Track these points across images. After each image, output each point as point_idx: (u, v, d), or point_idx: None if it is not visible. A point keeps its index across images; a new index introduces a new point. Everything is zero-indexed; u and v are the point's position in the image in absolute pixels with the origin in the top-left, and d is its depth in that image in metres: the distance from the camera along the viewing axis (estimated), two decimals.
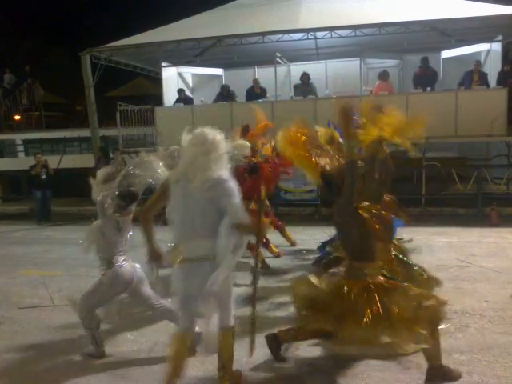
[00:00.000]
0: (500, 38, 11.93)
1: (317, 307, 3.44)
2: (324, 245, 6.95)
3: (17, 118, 19.39)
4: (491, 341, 4.20)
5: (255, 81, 12.96)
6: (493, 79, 11.59)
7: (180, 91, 13.48)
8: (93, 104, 13.49)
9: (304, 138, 3.76)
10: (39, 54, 26.88)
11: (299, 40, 11.98)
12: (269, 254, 7.13)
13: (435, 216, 10.37)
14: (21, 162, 16.18)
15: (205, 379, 3.76)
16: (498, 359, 3.86)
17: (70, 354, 4.29)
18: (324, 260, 6.54)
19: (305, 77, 12.50)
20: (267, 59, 12.77)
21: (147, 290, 4.19)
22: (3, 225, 11.87)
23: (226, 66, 14.54)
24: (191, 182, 3.13)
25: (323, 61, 13.85)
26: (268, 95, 12.72)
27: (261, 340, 4.04)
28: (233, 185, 3.16)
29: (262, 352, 4.01)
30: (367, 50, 12.56)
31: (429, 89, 11.63)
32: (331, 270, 5.19)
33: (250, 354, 3.79)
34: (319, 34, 11.83)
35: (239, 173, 5.65)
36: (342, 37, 11.70)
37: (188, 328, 3.44)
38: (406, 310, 3.25)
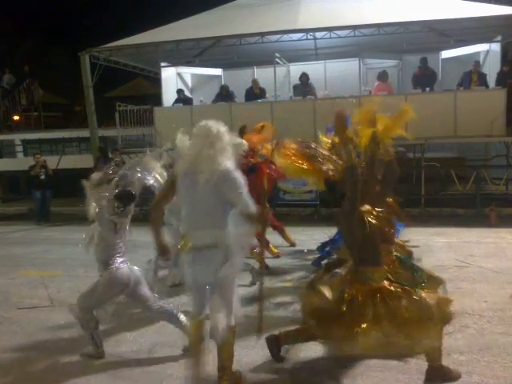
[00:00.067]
0: (499, 38, 11.95)
1: (325, 318, 3.42)
2: (324, 245, 6.97)
3: (16, 118, 19.37)
4: (490, 341, 4.21)
5: (254, 81, 12.97)
6: (492, 80, 11.60)
7: (179, 91, 13.48)
8: (92, 104, 13.48)
9: (300, 152, 3.76)
10: (38, 54, 26.85)
11: (298, 40, 11.99)
12: (268, 255, 7.12)
13: (434, 216, 10.37)
14: (20, 162, 16.15)
15: (205, 379, 3.75)
16: (498, 359, 3.87)
17: (70, 354, 4.28)
18: (324, 260, 6.57)
19: (304, 77, 12.51)
20: (266, 59, 12.78)
21: (145, 291, 4.18)
22: (2, 225, 11.86)
23: (225, 66, 14.55)
24: (199, 173, 3.19)
25: (322, 61, 13.86)
26: (267, 95, 12.72)
27: (261, 341, 4.05)
28: (239, 176, 3.24)
29: (262, 353, 4.01)
30: (366, 51, 12.57)
31: (428, 89, 11.64)
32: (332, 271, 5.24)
33: (259, 333, 3.87)
34: (318, 35, 11.83)
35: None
36: (341, 37, 11.70)
37: (199, 313, 3.49)
38: (412, 311, 3.26)
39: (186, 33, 12.44)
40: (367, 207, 3.40)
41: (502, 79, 11.29)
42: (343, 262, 4.89)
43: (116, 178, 4.08)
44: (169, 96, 13.66)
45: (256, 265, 5.53)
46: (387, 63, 13.17)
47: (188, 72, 14.82)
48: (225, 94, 12.88)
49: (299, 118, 11.02)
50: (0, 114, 18.53)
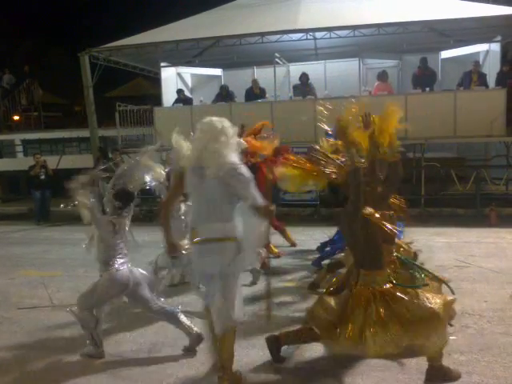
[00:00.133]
0: (499, 38, 11.95)
1: (335, 329, 3.41)
2: (323, 245, 6.98)
3: (16, 118, 19.36)
4: (491, 341, 4.21)
5: (254, 81, 12.97)
6: (492, 79, 11.61)
7: (179, 91, 13.48)
8: (92, 104, 13.47)
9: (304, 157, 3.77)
10: (38, 54, 26.84)
11: (298, 40, 11.99)
12: (269, 255, 7.13)
13: (434, 216, 10.37)
14: (20, 162, 16.14)
15: (205, 379, 3.76)
16: (498, 359, 3.87)
17: (70, 354, 4.28)
18: (324, 260, 6.58)
19: (304, 77, 12.51)
20: (266, 59, 12.78)
21: (145, 293, 4.17)
22: (2, 225, 11.85)
23: (225, 66, 14.55)
24: (205, 168, 3.27)
25: (322, 61, 13.87)
26: (267, 95, 12.73)
27: (261, 341, 4.05)
28: (246, 169, 3.32)
29: (262, 353, 4.01)
30: (366, 51, 12.58)
31: (428, 89, 11.64)
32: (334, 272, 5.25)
33: (268, 318, 4.11)
34: (318, 35, 11.84)
35: None
36: (340, 37, 11.70)
37: (210, 302, 3.52)
38: (416, 313, 3.26)
39: (186, 33, 12.45)
40: (370, 210, 3.40)
41: (501, 79, 11.29)
42: (344, 264, 4.91)
43: (114, 178, 4.08)
44: (169, 96, 13.66)
45: (257, 265, 5.54)
46: (387, 63, 13.18)
47: (188, 72, 14.82)
48: (225, 94, 12.89)
49: (299, 118, 11.02)
50: (0, 114, 18.53)
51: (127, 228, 4.16)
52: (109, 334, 4.57)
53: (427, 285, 3.66)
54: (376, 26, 11.15)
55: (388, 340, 3.24)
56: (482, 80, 11.45)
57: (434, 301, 3.34)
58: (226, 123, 3.38)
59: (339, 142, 3.91)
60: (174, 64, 14.19)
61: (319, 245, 7.11)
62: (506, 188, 12.31)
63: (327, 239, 7.04)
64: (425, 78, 11.85)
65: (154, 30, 13.30)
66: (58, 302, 5.72)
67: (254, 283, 5.81)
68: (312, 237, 8.48)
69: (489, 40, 12.13)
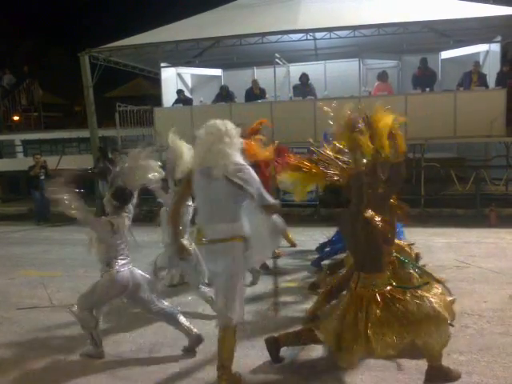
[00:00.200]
0: (499, 38, 11.95)
1: (345, 339, 3.41)
2: (322, 246, 6.98)
3: (16, 118, 19.36)
4: (490, 341, 4.21)
5: (254, 81, 12.97)
6: (492, 80, 11.60)
7: (179, 92, 13.48)
8: (92, 104, 13.46)
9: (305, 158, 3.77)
10: (38, 54, 26.85)
11: (298, 41, 11.98)
12: None
13: (434, 217, 10.37)
14: (20, 162, 16.12)
15: (205, 380, 3.76)
16: (497, 359, 3.87)
17: (70, 354, 4.29)
18: (324, 260, 6.58)
19: (304, 77, 12.50)
20: (266, 60, 12.78)
21: (144, 295, 4.16)
22: (2, 225, 11.85)
23: (225, 66, 14.55)
24: (211, 169, 3.35)
25: (322, 61, 13.86)
26: (267, 96, 12.72)
27: (261, 342, 4.05)
28: (251, 170, 3.43)
29: (261, 353, 4.01)
30: (366, 51, 12.57)
31: (428, 89, 11.63)
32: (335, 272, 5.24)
33: (275, 314, 4.50)
34: (318, 35, 11.83)
35: None
36: (340, 37, 11.69)
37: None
38: (417, 313, 3.26)
39: (186, 33, 12.44)
40: (371, 212, 3.40)
41: (501, 79, 11.29)
42: (345, 264, 4.91)
43: (111, 177, 4.07)
44: (169, 96, 13.65)
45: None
46: (387, 63, 13.17)
47: (188, 72, 14.82)
48: (225, 95, 12.88)
49: (299, 119, 11.03)
50: (0, 114, 18.53)
51: (128, 228, 4.13)
52: (108, 334, 4.58)
53: (427, 284, 3.66)
54: (376, 27, 11.14)
55: (389, 341, 3.24)
56: (482, 80, 11.45)
57: (433, 300, 3.34)
58: (230, 125, 3.47)
59: (342, 143, 3.88)
60: (173, 64, 14.18)
61: (318, 245, 7.12)
62: (505, 188, 12.30)
63: (326, 240, 7.04)
64: (425, 79, 11.84)
65: (153, 31, 13.29)
66: (57, 302, 5.73)
67: (254, 283, 5.81)
68: (312, 237, 8.48)
69: (489, 40, 12.13)
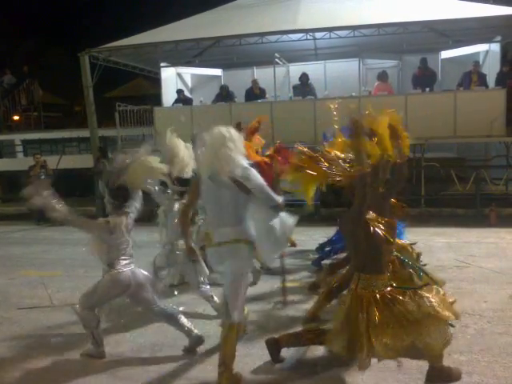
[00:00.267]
0: (499, 38, 11.96)
1: (352, 344, 3.41)
2: (323, 246, 6.97)
3: (16, 118, 19.36)
4: (491, 341, 4.21)
5: (254, 81, 12.97)
6: (492, 80, 11.61)
7: (179, 92, 13.48)
8: (92, 104, 13.46)
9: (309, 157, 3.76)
10: (38, 54, 26.83)
11: (298, 40, 11.99)
12: None
13: (434, 216, 10.37)
14: (20, 162, 16.12)
15: (205, 379, 3.76)
16: (498, 359, 3.87)
17: (70, 354, 4.28)
18: (324, 260, 6.58)
19: (304, 77, 12.50)
20: (266, 60, 12.78)
21: (147, 294, 4.14)
22: (2, 225, 11.86)
23: (225, 66, 14.55)
24: (219, 174, 3.49)
25: (322, 61, 13.87)
26: (267, 96, 12.72)
27: (261, 342, 4.05)
28: (255, 172, 3.57)
29: (262, 353, 4.01)
30: (366, 51, 12.57)
31: (428, 89, 11.64)
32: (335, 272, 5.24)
33: (283, 304, 4.93)
34: (318, 35, 11.83)
35: None
36: (340, 37, 11.70)
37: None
38: (418, 314, 3.26)
39: (186, 33, 12.44)
40: (373, 215, 3.40)
41: (501, 79, 11.30)
42: (346, 263, 4.90)
43: (107, 176, 4.06)
44: (169, 96, 13.66)
45: (257, 264, 5.55)
46: (387, 63, 13.17)
47: (188, 72, 14.82)
48: (225, 95, 12.88)
49: (299, 119, 11.03)
50: (0, 114, 18.53)
51: (128, 227, 4.06)
52: (109, 334, 4.57)
53: (427, 284, 3.65)
54: (376, 27, 11.15)
55: (389, 343, 3.24)
56: (481, 80, 11.46)
57: (433, 300, 3.33)
58: (233, 131, 3.59)
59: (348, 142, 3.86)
60: (173, 64, 14.19)
61: (318, 245, 7.11)
62: (505, 188, 12.30)
63: (326, 240, 7.03)
64: (425, 79, 11.85)
65: (153, 30, 13.29)
66: (57, 302, 5.72)
67: (254, 283, 5.81)
68: (312, 237, 8.48)
69: (489, 40, 12.14)
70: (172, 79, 14.33)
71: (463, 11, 11.10)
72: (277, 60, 12.85)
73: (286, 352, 3.96)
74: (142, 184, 4.19)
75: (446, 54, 13.07)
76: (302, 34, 11.74)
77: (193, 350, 4.18)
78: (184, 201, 5.01)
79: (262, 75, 13.65)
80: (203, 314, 5.11)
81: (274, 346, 3.87)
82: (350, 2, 12.09)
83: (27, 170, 12.32)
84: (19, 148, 18.43)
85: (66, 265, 7.53)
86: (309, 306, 4.96)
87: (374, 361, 3.73)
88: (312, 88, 12.51)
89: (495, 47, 12.13)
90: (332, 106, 3.79)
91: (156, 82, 14.87)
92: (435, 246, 7.82)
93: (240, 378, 3.66)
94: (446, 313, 3.32)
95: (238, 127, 6.32)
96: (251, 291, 5.47)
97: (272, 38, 11.93)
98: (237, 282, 3.58)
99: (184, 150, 4.71)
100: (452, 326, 3.48)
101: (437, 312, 3.29)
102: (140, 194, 4.27)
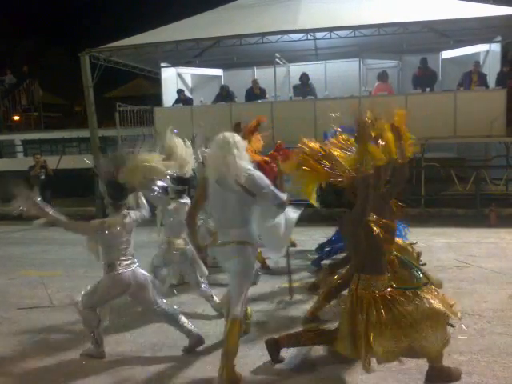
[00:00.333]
0: (499, 38, 11.96)
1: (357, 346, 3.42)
2: (322, 246, 6.97)
3: (16, 118, 19.37)
4: (490, 341, 4.21)
5: (254, 81, 12.97)
6: (492, 80, 11.61)
7: (179, 92, 13.48)
8: (92, 104, 13.45)
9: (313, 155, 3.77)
10: (38, 54, 26.86)
11: (298, 40, 11.99)
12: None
13: (434, 217, 10.37)
14: (20, 162, 16.13)
15: (205, 379, 3.76)
16: (498, 360, 3.87)
17: (70, 354, 4.28)
18: (324, 260, 6.58)
19: (304, 77, 12.51)
20: (266, 60, 12.79)
21: (148, 295, 4.13)
22: (2, 225, 11.84)
23: (225, 66, 14.56)
24: (225, 178, 3.62)
25: (322, 61, 13.87)
26: (267, 96, 12.73)
27: (261, 342, 4.05)
28: (260, 173, 3.73)
29: (261, 353, 4.01)
30: (366, 51, 12.58)
31: (428, 89, 11.64)
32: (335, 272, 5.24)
33: (290, 296, 5.30)
34: (318, 35, 11.83)
35: None
36: (341, 37, 11.69)
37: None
38: (418, 314, 3.26)
39: (186, 33, 12.44)
40: (374, 216, 3.40)
41: (501, 79, 11.30)
42: (346, 263, 4.90)
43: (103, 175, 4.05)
44: (169, 96, 13.67)
45: (257, 264, 5.54)
46: (387, 63, 13.18)
47: (188, 72, 14.83)
48: (225, 95, 12.89)
49: (299, 119, 11.03)
50: (0, 114, 18.54)
51: (127, 226, 4.04)
52: (109, 334, 4.56)
53: (427, 284, 3.65)
54: (376, 27, 11.14)
55: (387, 344, 3.24)
56: (482, 80, 11.46)
57: (433, 301, 3.33)
58: (237, 137, 3.76)
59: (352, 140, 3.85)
60: (174, 64, 14.19)
61: (317, 245, 7.11)
62: (505, 188, 12.30)
63: (325, 240, 7.03)
64: (425, 79, 11.85)
65: (153, 31, 13.29)
66: (57, 302, 5.73)
67: (254, 283, 5.80)
68: (312, 237, 8.48)
69: (489, 40, 12.14)
70: (172, 79, 14.33)
71: (463, 11, 11.10)
72: (277, 60, 12.85)
73: (285, 352, 3.97)
74: (140, 183, 4.14)
75: (446, 54, 13.08)
76: (302, 34, 11.74)
77: (193, 350, 4.18)
78: (181, 200, 5.14)
79: (263, 75, 13.66)
80: (203, 314, 5.11)
81: (273, 347, 3.86)
82: (350, 2, 12.09)
83: (27, 169, 12.32)
84: (19, 148, 18.45)
85: (65, 265, 7.53)
86: (309, 306, 4.97)
87: (373, 361, 3.74)
88: (312, 88, 12.52)
89: (495, 47, 12.14)
90: (333, 107, 3.79)
91: (156, 82, 14.88)
92: (435, 246, 7.82)
93: (240, 378, 3.66)
94: (446, 313, 3.32)
95: (238, 127, 6.34)
96: (251, 291, 5.48)
97: (272, 38, 11.93)
98: (241, 279, 3.71)
99: (183, 148, 4.71)
100: (452, 326, 3.48)
101: (436, 313, 3.29)
102: (143, 199, 4.29)
